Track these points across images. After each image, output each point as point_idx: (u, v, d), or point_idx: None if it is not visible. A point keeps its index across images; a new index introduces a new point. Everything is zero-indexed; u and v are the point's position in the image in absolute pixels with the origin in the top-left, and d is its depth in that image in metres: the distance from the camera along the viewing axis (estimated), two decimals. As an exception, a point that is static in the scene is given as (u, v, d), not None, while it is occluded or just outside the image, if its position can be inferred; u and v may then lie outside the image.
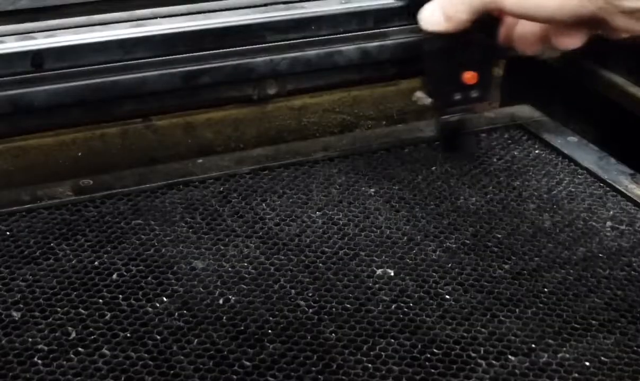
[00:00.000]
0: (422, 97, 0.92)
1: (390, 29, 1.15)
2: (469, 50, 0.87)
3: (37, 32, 0.95)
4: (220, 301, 0.97)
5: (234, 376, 0.88)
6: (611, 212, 1.16)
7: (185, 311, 0.95)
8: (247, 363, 0.90)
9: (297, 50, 1.12)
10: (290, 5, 1.10)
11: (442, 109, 0.92)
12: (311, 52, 1.12)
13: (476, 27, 0.84)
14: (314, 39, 1.10)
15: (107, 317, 0.94)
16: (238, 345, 0.92)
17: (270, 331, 0.94)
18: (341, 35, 1.13)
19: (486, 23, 0.84)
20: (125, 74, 1.02)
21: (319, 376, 0.89)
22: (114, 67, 1.02)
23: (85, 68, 0.97)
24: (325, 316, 0.96)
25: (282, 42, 1.10)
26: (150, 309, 0.95)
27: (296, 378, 0.89)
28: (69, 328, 0.92)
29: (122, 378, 0.87)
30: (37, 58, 0.92)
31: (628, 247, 1.10)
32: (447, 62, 0.88)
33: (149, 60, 1.04)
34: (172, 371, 0.88)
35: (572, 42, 0.82)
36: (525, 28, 0.85)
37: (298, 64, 1.12)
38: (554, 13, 0.77)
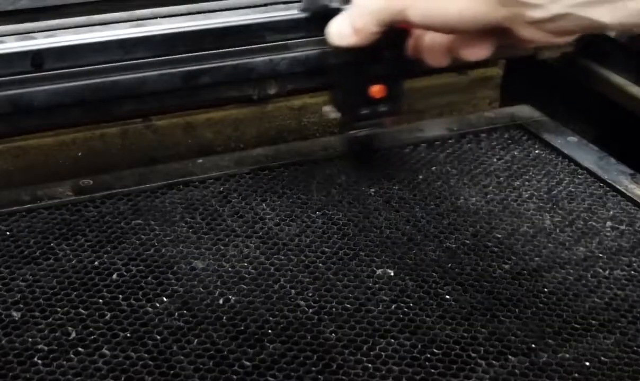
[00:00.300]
0: (330, 111, 0.90)
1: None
2: (377, 63, 0.85)
3: (37, 32, 0.93)
4: (220, 301, 0.97)
5: (234, 376, 0.88)
6: (611, 212, 1.16)
7: (185, 311, 0.95)
8: (247, 363, 0.89)
9: (296, 51, 1.11)
10: (290, 5, 1.10)
11: (350, 124, 0.90)
12: (311, 52, 1.12)
13: (384, 39, 0.82)
14: (313, 39, 1.10)
15: (107, 317, 0.94)
16: (238, 345, 0.92)
17: (270, 331, 0.94)
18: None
19: (394, 35, 0.83)
20: (125, 74, 1.02)
21: (319, 376, 0.89)
22: (114, 67, 1.02)
23: (85, 68, 0.97)
24: (325, 316, 0.96)
25: (282, 42, 1.10)
26: (150, 309, 0.95)
27: (296, 378, 0.88)
28: (69, 328, 0.92)
29: (122, 378, 0.87)
30: (37, 58, 0.92)
31: (628, 247, 1.10)
32: (354, 75, 0.86)
33: (149, 60, 1.04)
34: (172, 371, 0.88)
35: (479, 53, 0.81)
36: (432, 40, 0.84)
37: (297, 64, 1.12)
38: (458, 23, 0.75)
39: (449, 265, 1.05)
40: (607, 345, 0.95)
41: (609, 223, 1.14)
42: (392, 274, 1.02)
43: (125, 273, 1.00)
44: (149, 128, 1.24)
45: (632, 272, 1.06)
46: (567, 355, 0.93)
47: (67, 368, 0.88)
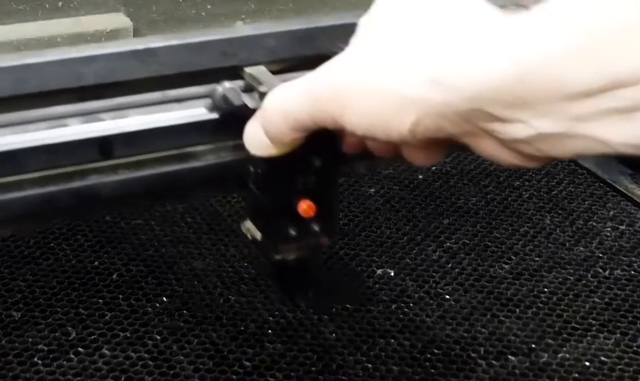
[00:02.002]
0: (251, 229, 0.74)
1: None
2: (303, 173, 0.70)
3: (105, 111, 0.76)
4: (221, 301, 0.97)
5: (234, 376, 0.88)
6: (611, 212, 1.16)
7: (185, 311, 0.95)
8: (247, 363, 0.89)
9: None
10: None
11: (275, 247, 0.73)
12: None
13: (311, 143, 0.66)
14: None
15: (107, 317, 0.94)
16: (238, 345, 0.92)
17: (270, 331, 0.94)
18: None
19: (323, 138, 0.65)
20: (205, 160, 0.78)
21: (319, 376, 0.89)
22: (195, 152, 0.79)
23: (161, 154, 0.77)
24: (325, 316, 0.96)
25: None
26: (150, 309, 0.95)
27: (296, 378, 0.88)
28: (69, 328, 0.92)
29: (122, 378, 0.87)
30: (105, 144, 0.74)
31: (628, 247, 1.10)
32: (277, 189, 0.71)
33: (232, 142, 0.78)
34: (172, 371, 0.88)
35: (429, 160, 0.63)
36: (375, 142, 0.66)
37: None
38: (407, 137, 0.57)
39: (449, 265, 1.05)
40: (607, 345, 0.95)
41: (609, 223, 1.14)
42: (392, 274, 1.02)
43: (125, 273, 1.00)
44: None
45: (632, 272, 1.05)
46: (567, 355, 0.93)
47: (67, 368, 0.88)
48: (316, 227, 0.71)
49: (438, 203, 1.15)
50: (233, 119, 0.72)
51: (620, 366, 0.92)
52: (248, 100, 0.71)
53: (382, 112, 0.57)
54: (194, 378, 0.87)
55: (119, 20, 1.09)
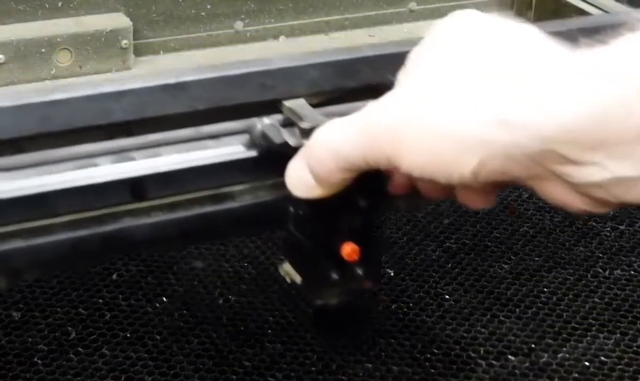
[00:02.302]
0: (290, 272, 0.70)
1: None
2: (348, 215, 0.67)
3: (136, 149, 0.70)
4: (220, 302, 0.97)
5: (234, 376, 0.88)
6: (611, 212, 1.16)
7: (185, 311, 0.95)
8: (247, 363, 0.89)
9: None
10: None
11: (317, 292, 0.71)
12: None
13: (358, 184, 0.63)
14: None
15: (107, 317, 0.94)
16: (238, 345, 0.92)
17: (270, 331, 0.94)
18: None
19: (369, 177, 0.62)
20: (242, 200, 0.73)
21: (319, 376, 0.89)
22: (231, 192, 0.73)
23: (196, 195, 0.71)
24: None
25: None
26: (150, 309, 0.95)
27: (296, 378, 0.88)
28: (69, 328, 0.92)
29: (122, 378, 0.87)
30: (137, 186, 0.68)
31: (628, 247, 1.10)
32: (320, 231, 0.67)
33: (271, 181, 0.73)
34: (172, 371, 0.88)
35: (486, 203, 0.62)
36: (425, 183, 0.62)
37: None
38: (468, 180, 0.55)
39: (449, 265, 1.05)
40: (607, 345, 0.95)
41: (609, 223, 1.14)
42: (392, 274, 1.02)
43: (125, 273, 1.00)
44: (149, 128, 1.24)
45: (632, 272, 1.06)
46: (567, 355, 0.93)
47: (67, 368, 0.88)
48: (360, 271, 0.67)
49: (438, 203, 1.15)
50: (272, 157, 0.67)
51: (620, 366, 0.92)
52: (289, 138, 0.67)
53: (442, 153, 0.54)
54: (194, 378, 0.87)
55: (119, 20, 1.09)
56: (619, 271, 1.06)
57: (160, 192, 0.69)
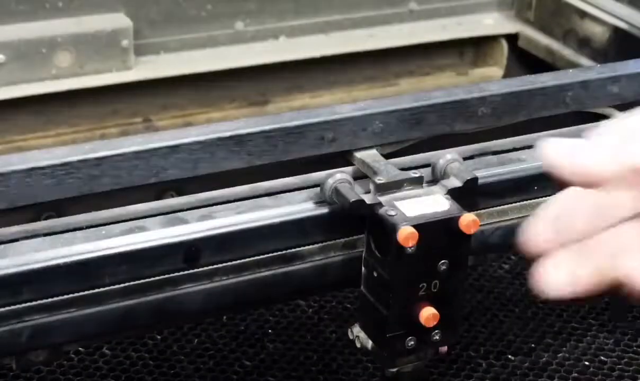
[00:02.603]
0: (361, 337, 0.66)
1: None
2: (428, 279, 0.63)
3: (188, 209, 0.65)
4: (221, 301, 0.97)
5: (234, 376, 0.88)
6: (611, 212, 1.16)
7: (185, 311, 0.95)
8: (247, 363, 0.90)
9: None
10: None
11: (391, 360, 0.66)
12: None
13: (438, 245, 0.62)
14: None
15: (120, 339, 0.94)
16: (238, 344, 0.92)
17: (270, 331, 0.94)
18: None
19: (453, 242, 0.62)
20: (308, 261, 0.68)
21: (319, 376, 0.89)
22: (294, 253, 0.67)
23: (252, 259, 0.66)
24: (325, 316, 0.96)
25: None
26: (150, 309, 0.95)
27: (296, 378, 0.89)
28: (69, 327, 0.92)
29: (123, 378, 0.87)
30: (191, 251, 0.63)
31: (628, 247, 1.10)
32: (398, 295, 0.63)
33: (330, 242, 0.68)
34: (172, 371, 0.88)
35: None
36: None
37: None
38: None
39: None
40: (607, 345, 0.95)
41: (608, 224, 1.14)
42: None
43: (125, 273, 1.00)
44: (149, 128, 1.24)
45: (632, 272, 1.05)
46: (567, 355, 0.93)
47: (68, 368, 0.88)
48: (437, 336, 0.64)
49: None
50: (339, 215, 0.64)
51: (620, 366, 0.92)
52: (364, 195, 0.63)
53: None
54: (194, 377, 0.87)
55: (120, 20, 1.09)
56: (618, 271, 1.06)
57: (215, 257, 0.64)
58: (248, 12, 1.17)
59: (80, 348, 0.90)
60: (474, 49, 1.26)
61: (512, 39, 1.22)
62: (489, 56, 1.27)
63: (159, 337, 0.92)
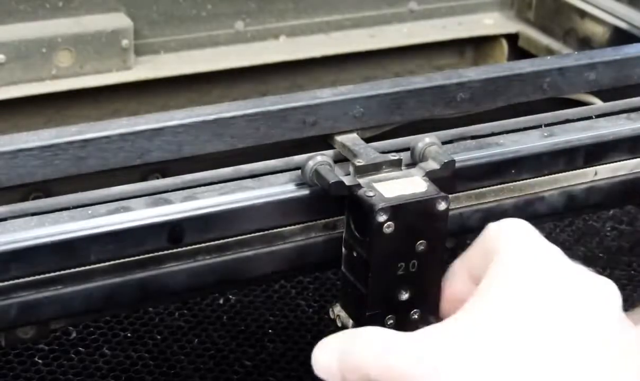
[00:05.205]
0: (342, 316, 0.68)
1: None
2: (406, 259, 0.64)
3: (172, 191, 0.66)
4: (220, 301, 0.97)
5: (234, 376, 0.88)
6: (611, 212, 1.16)
7: (185, 311, 0.95)
8: (247, 363, 0.90)
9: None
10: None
11: None
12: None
13: (416, 229, 0.64)
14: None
15: (107, 317, 0.94)
16: (238, 344, 0.92)
17: (270, 330, 0.94)
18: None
19: (429, 222, 0.65)
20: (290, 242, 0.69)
21: (319, 376, 0.89)
22: (277, 233, 0.68)
23: (235, 238, 0.67)
24: (326, 316, 0.96)
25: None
26: (150, 309, 0.95)
27: (296, 378, 0.89)
28: (69, 328, 0.92)
29: (123, 378, 0.87)
30: (175, 230, 0.64)
31: (628, 247, 1.10)
32: (377, 275, 0.64)
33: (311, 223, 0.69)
34: (172, 371, 0.88)
35: None
36: None
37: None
38: None
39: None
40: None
41: (609, 223, 1.14)
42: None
43: (125, 273, 1.00)
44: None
45: (632, 272, 1.06)
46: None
47: (68, 368, 0.88)
48: (415, 315, 0.66)
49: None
50: (320, 196, 0.65)
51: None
52: (344, 177, 0.64)
53: None
54: (194, 377, 0.87)
55: (120, 20, 1.09)
56: (618, 271, 1.06)
57: (199, 236, 0.65)
58: (248, 12, 1.17)
59: (80, 348, 0.90)
60: (474, 48, 1.26)
61: (512, 38, 1.22)
62: (489, 56, 1.27)
63: (159, 337, 0.92)
